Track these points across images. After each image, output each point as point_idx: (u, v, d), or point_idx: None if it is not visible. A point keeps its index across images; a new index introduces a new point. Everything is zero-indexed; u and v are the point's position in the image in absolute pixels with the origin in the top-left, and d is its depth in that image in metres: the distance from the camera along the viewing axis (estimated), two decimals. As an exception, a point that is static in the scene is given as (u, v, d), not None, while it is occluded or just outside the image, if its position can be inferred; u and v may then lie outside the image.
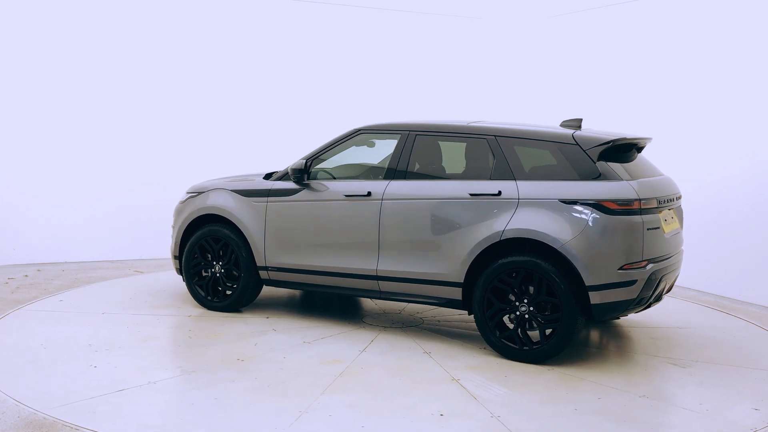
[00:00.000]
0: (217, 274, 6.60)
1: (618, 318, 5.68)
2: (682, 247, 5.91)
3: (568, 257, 5.14)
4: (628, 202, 5.11)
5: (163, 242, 9.02)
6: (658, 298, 5.62)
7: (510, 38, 10.56)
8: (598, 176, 5.21)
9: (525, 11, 10.40)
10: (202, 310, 6.64)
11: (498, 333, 5.44)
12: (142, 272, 8.22)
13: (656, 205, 5.29)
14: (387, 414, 4.38)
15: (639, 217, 5.13)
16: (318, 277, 6.19)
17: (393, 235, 5.82)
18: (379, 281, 5.91)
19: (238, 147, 9.41)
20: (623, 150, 5.54)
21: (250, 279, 6.49)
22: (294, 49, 9.62)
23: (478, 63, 10.60)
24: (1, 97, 8.33)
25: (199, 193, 6.80)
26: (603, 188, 5.16)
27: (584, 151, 5.30)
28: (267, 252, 6.37)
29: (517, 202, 5.36)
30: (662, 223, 5.36)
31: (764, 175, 7.30)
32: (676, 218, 5.71)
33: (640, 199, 5.13)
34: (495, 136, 5.61)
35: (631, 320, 6.55)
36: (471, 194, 5.54)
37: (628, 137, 5.48)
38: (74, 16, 8.58)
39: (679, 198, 5.83)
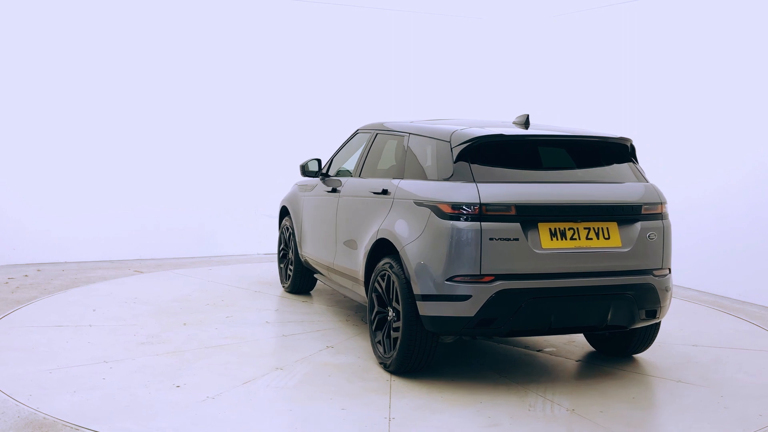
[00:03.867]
0: (290, 260, 7.18)
1: (472, 338, 4.83)
2: (653, 268, 4.81)
3: (404, 262, 4.74)
4: (465, 206, 4.49)
5: (162, 242, 9.07)
6: (594, 329, 4.80)
7: (510, 38, 10.55)
8: (450, 176, 4.71)
9: (525, 11, 10.40)
10: (282, 290, 7.40)
11: (376, 337, 5.10)
12: (141, 272, 8.22)
13: (515, 213, 4.50)
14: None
15: (477, 224, 4.46)
16: (317, 266, 6.56)
17: (341, 231, 5.92)
18: (335, 276, 6.09)
19: (240, 148, 9.43)
20: (515, 148, 4.90)
21: (298, 265, 7.00)
22: (295, 50, 9.62)
23: (479, 63, 10.59)
24: (2, 97, 8.33)
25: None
26: (442, 190, 4.65)
27: (451, 149, 4.79)
28: (302, 240, 6.84)
29: (392, 202, 5.11)
30: (543, 237, 4.56)
31: (764, 175, 7.29)
32: (614, 234, 4.72)
33: (481, 204, 4.47)
34: (409, 134, 5.38)
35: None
36: (371, 192, 5.42)
37: (506, 134, 4.83)
38: (75, 15, 8.58)
39: (620, 209, 4.75)
